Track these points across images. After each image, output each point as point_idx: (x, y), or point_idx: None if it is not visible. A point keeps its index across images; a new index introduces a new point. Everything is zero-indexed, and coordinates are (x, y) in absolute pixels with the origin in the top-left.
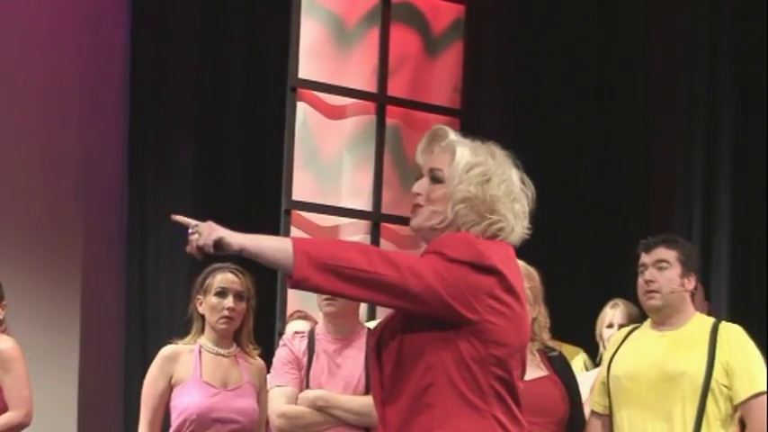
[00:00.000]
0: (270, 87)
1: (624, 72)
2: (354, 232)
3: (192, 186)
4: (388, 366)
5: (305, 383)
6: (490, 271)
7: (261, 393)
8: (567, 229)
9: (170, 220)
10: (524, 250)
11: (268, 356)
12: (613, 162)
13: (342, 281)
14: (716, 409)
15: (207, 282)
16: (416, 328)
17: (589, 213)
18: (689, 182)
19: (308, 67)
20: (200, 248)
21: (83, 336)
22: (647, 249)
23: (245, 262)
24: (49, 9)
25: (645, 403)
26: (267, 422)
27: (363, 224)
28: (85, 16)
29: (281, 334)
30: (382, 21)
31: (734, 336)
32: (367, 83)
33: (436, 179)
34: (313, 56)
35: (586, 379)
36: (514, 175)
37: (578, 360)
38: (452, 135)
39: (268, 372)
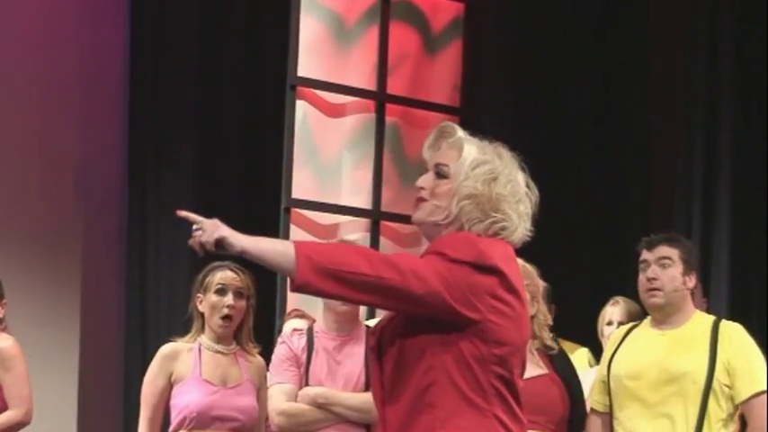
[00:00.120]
0: (269, 85)
1: (624, 72)
2: (354, 230)
3: (192, 185)
4: (388, 366)
5: (304, 381)
6: (492, 271)
7: (261, 391)
8: (567, 228)
9: (170, 219)
10: (524, 249)
11: (268, 355)
12: (613, 162)
13: (344, 285)
14: (717, 409)
15: (207, 279)
16: (417, 327)
17: (589, 213)
18: (689, 182)
19: (307, 65)
20: (201, 245)
21: (83, 334)
22: (650, 246)
23: (246, 260)
24: (48, 9)
25: (646, 402)
26: (267, 420)
27: (363, 222)
28: (85, 16)
29: (280, 332)
30: (382, 19)
31: (735, 334)
32: (366, 81)
33: (442, 174)
34: (312, 54)
35: (589, 376)
36: (520, 177)
37: (582, 357)
38: (460, 132)
39: (268, 370)
